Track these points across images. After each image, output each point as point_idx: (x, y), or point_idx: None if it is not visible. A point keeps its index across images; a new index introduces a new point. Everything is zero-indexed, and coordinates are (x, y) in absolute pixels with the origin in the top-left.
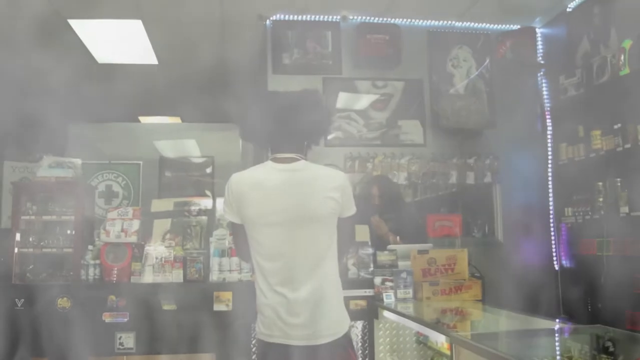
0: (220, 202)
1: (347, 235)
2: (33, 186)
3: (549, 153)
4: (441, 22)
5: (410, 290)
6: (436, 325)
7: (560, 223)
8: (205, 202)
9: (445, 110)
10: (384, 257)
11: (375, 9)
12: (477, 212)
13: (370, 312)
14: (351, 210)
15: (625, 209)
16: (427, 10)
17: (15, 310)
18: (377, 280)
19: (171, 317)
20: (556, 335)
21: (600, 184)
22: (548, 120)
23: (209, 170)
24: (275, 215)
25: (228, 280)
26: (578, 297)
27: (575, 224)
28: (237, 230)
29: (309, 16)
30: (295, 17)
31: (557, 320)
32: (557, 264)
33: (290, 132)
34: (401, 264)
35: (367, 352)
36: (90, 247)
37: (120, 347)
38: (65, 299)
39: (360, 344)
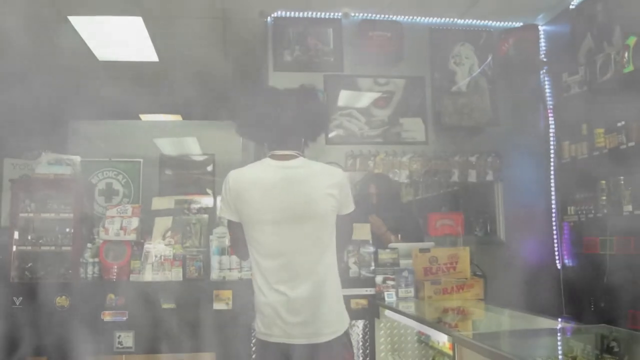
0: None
1: (344, 233)
2: (31, 183)
3: (552, 151)
4: (443, 19)
5: (412, 289)
6: (438, 325)
7: (563, 222)
8: (206, 200)
9: (447, 107)
10: (385, 255)
11: (377, 5)
12: (479, 211)
13: (371, 311)
14: (350, 207)
15: (628, 208)
16: (429, 8)
17: (14, 308)
18: (379, 279)
19: (171, 316)
20: (559, 334)
21: (604, 182)
22: (551, 118)
23: (209, 168)
24: (274, 212)
25: (228, 279)
26: (581, 296)
27: (578, 223)
28: (235, 229)
29: (310, 13)
30: (297, 13)
31: (560, 319)
32: (559, 262)
33: (288, 128)
34: (403, 262)
35: (368, 351)
36: (89, 245)
37: (119, 346)
38: (63, 297)
39: (361, 344)
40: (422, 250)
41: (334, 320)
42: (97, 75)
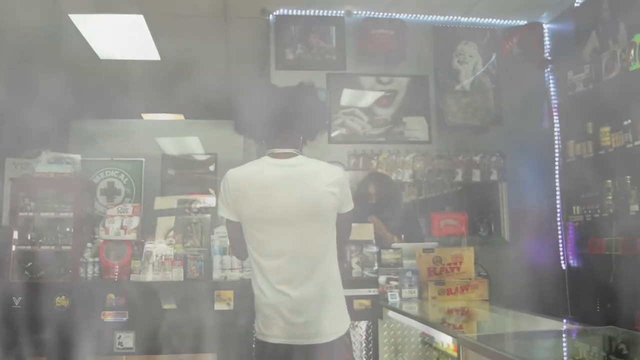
0: None
1: (343, 232)
2: (31, 182)
3: (557, 150)
4: (447, 17)
5: (416, 290)
6: (442, 326)
7: (568, 222)
8: (209, 200)
9: (450, 106)
10: (388, 255)
11: (380, 3)
12: (483, 211)
13: (374, 312)
14: (349, 205)
15: (635, 207)
16: (432, 5)
17: (13, 308)
18: (382, 279)
19: (171, 317)
20: (566, 336)
21: (610, 181)
22: (555, 117)
23: (212, 167)
24: (275, 211)
25: (229, 279)
26: (586, 297)
27: (584, 223)
28: (233, 228)
29: (312, 11)
30: (299, 11)
31: (565, 320)
32: (564, 263)
33: (286, 126)
34: (406, 262)
35: (371, 352)
36: (89, 244)
37: (120, 346)
38: (63, 297)
39: (364, 345)
40: (425, 251)
41: (337, 320)
42: (98, 74)
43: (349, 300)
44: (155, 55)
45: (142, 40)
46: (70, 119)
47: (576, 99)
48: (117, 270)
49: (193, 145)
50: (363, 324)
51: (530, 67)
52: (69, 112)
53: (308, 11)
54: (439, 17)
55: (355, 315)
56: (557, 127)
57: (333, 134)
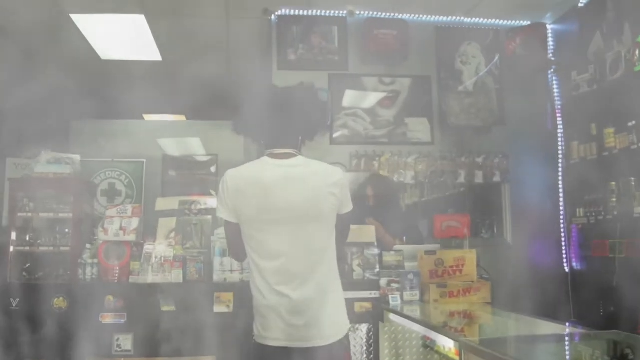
0: None
1: (341, 233)
2: (30, 182)
3: (560, 152)
4: (450, 17)
5: (417, 292)
6: (444, 329)
7: (572, 224)
8: (211, 201)
9: (453, 107)
10: (390, 257)
11: (382, 4)
12: (486, 213)
13: (375, 315)
14: (348, 207)
15: (639, 210)
16: (435, 6)
17: (11, 310)
18: (383, 281)
19: (170, 319)
20: (571, 340)
21: (614, 183)
22: (559, 118)
23: (213, 169)
24: (275, 212)
25: (229, 281)
26: (589, 300)
27: (587, 225)
28: (232, 229)
29: (314, 11)
30: (301, 11)
31: (568, 324)
32: (567, 266)
33: (285, 126)
34: (408, 265)
35: (372, 356)
36: (88, 245)
37: (118, 349)
38: (61, 299)
39: (365, 348)
40: (427, 253)
41: (337, 322)
42: (100, 74)
43: (350, 302)
44: (156, 56)
45: (144, 40)
46: (71, 120)
47: (580, 100)
48: (116, 271)
49: (194, 146)
50: (364, 327)
51: (533, 67)
52: (69, 113)
53: (310, 11)
54: (441, 17)
55: (356, 318)
56: (561, 128)
57: (335, 135)
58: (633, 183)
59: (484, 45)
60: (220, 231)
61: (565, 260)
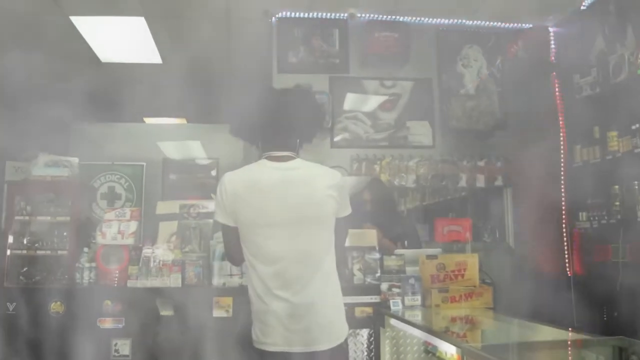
0: None
1: (339, 237)
2: (27, 185)
3: (563, 155)
4: (451, 20)
5: (419, 297)
6: (445, 335)
7: (574, 228)
8: (211, 205)
9: (455, 111)
10: (391, 262)
11: (383, 6)
12: (488, 217)
13: (376, 320)
14: (347, 210)
15: None
16: (436, 8)
17: (7, 314)
18: (384, 286)
19: (169, 323)
20: (574, 346)
21: (617, 187)
22: (561, 121)
23: (213, 172)
24: (274, 215)
25: (228, 285)
26: (592, 305)
27: (590, 229)
28: (229, 233)
29: (315, 13)
30: (302, 14)
31: (571, 329)
32: (570, 270)
33: (283, 128)
34: (409, 269)
35: None
36: (85, 249)
37: (116, 354)
38: (59, 303)
39: (365, 353)
40: (429, 257)
41: (337, 327)
42: (100, 77)
43: (351, 307)
44: (157, 58)
45: (144, 43)
46: (71, 122)
47: (583, 103)
48: (114, 275)
49: (195, 149)
50: (364, 332)
51: (535, 70)
52: (69, 116)
53: (311, 14)
54: (443, 20)
55: (357, 323)
56: (563, 132)
57: (336, 139)
58: (636, 187)
59: (486, 48)
60: (220, 235)
61: (567, 265)
